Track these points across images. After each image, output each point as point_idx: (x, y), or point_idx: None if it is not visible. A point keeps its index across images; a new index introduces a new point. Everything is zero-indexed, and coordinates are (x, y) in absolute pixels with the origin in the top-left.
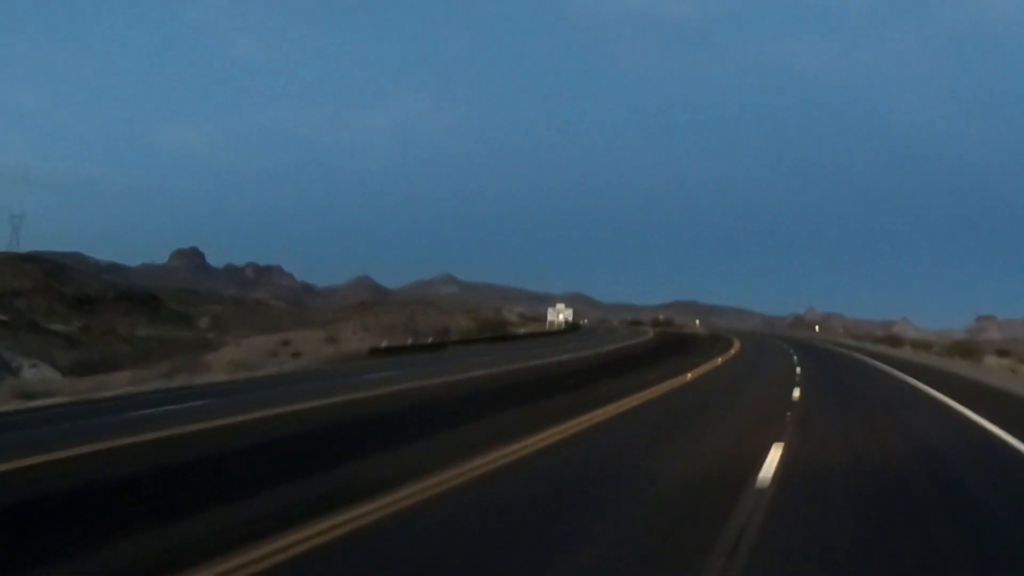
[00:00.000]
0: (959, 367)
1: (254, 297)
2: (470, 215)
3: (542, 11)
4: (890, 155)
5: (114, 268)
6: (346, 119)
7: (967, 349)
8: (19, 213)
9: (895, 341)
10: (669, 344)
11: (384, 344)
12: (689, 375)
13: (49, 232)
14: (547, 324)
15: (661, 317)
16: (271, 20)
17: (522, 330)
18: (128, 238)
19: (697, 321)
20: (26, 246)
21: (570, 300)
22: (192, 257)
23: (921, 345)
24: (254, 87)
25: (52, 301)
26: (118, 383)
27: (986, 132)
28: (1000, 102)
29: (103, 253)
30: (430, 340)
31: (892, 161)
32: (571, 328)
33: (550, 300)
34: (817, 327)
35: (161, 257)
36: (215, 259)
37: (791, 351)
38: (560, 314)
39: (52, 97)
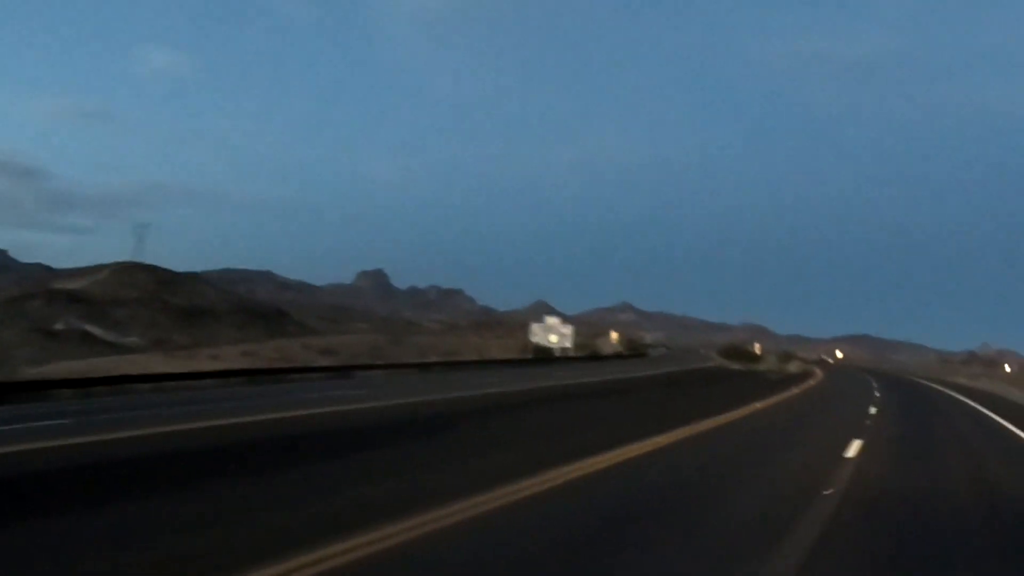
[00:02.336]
0: None
1: (407, 318)
2: (650, 246)
3: (720, 53)
4: None
5: (301, 286)
6: (531, 154)
7: None
8: (145, 223)
9: None
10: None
11: None
12: None
13: (242, 251)
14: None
15: (756, 347)
16: (465, 62)
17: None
18: (318, 259)
19: (839, 353)
20: (217, 264)
21: (748, 331)
22: (377, 278)
23: None
24: (446, 124)
25: (156, 312)
26: None
27: None
28: None
29: (293, 273)
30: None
31: None
32: (595, 357)
33: (727, 331)
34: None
35: (347, 277)
36: (399, 281)
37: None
38: (551, 334)
39: (256, 130)
